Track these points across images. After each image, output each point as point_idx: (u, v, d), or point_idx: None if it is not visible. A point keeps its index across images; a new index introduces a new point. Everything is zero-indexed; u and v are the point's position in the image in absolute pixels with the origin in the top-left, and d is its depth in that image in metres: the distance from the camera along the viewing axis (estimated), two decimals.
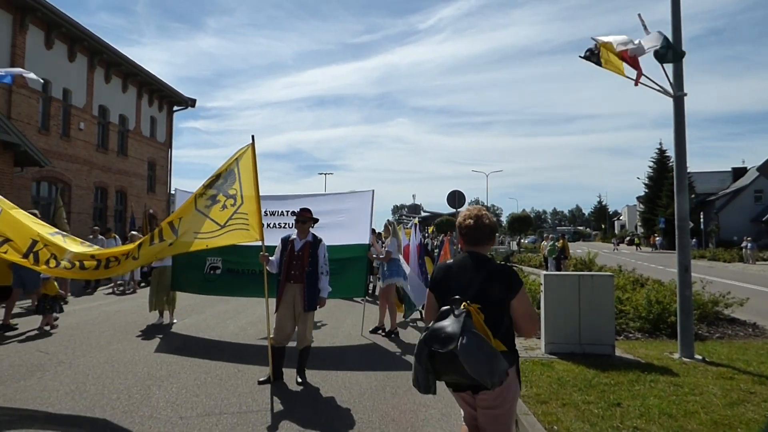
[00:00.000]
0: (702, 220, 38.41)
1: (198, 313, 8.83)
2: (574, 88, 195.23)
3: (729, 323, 7.66)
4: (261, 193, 5.18)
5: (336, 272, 6.06)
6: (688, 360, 5.50)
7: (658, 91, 5.88)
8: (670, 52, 5.41)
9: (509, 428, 2.42)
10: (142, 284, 12.67)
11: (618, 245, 50.45)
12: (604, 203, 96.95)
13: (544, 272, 6.59)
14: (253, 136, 5.22)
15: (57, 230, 5.05)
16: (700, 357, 5.59)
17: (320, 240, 5.10)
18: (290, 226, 6.69)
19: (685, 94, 5.98)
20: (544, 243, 20.49)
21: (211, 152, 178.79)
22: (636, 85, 5.51)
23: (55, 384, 4.76)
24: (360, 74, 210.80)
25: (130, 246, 4.98)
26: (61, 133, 16.47)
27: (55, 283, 7.61)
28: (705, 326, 7.42)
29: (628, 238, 58.91)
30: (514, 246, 38.57)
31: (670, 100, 5.98)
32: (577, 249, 29.16)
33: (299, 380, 4.92)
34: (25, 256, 4.50)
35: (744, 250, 27.64)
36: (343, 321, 8.26)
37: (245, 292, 7.19)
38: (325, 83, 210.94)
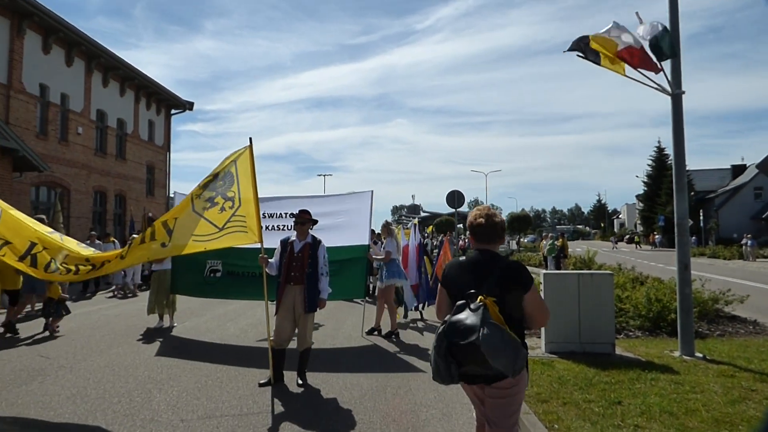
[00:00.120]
0: (701, 217, 38.42)
1: (198, 316, 8.83)
2: (572, 87, 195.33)
3: (729, 321, 7.66)
4: (260, 195, 5.18)
5: (336, 273, 6.06)
6: (688, 358, 5.51)
7: (657, 89, 5.88)
8: (666, 42, 5.38)
9: (517, 418, 2.51)
10: (143, 287, 12.66)
11: (616, 243, 50.34)
12: (603, 202, 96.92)
13: (544, 271, 6.59)
14: (250, 138, 5.23)
15: (53, 230, 5.06)
16: (700, 355, 5.59)
17: (320, 241, 5.10)
18: (289, 228, 6.68)
19: (684, 92, 5.99)
20: (544, 242, 20.50)
21: (210, 155, 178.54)
22: (636, 68, 5.47)
23: (56, 388, 4.76)
24: (358, 75, 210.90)
25: (125, 250, 4.98)
26: (59, 138, 16.47)
27: (59, 287, 7.66)
28: (705, 324, 7.42)
29: (627, 237, 58.90)
30: (513, 245, 38.58)
31: (669, 98, 5.99)
32: (577, 248, 29.17)
33: (300, 382, 4.91)
34: (23, 258, 4.49)
35: (744, 247, 27.68)
36: (343, 322, 8.26)
37: (245, 295, 7.19)
38: (324, 84, 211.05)
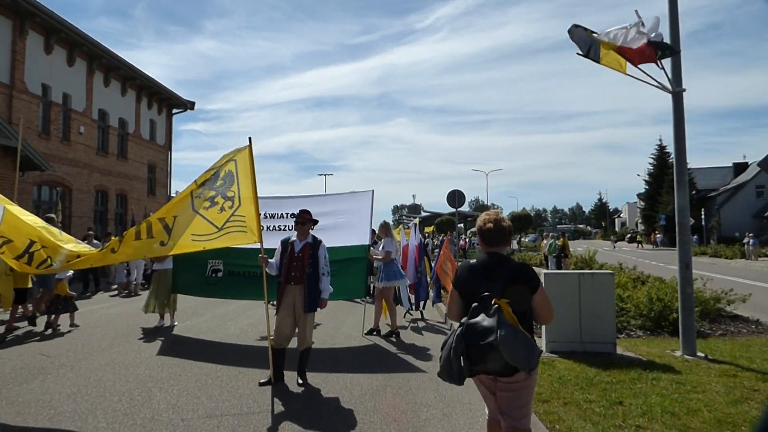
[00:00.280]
0: (703, 216, 38.28)
1: (199, 316, 8.83)
2: (572, 85, 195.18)
3: (731, 320, 7.64)
4: (260, 195, 5.18)
5: (336, 273, 6.05)
6: (690, 358, 5.49)
7: (657, 87, 5.86)
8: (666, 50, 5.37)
9: (529, 410, 2.68)
10: (146, 286, 12.67)
11: (616, 243, 49.94)
12: (604, 201, 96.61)
13: (545, 271, 6.58)
14: (250, 138, 5.22)
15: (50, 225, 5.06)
16: (702, 354, 5.57)
17: (320, 241, 5.10)
18: (290, 228, 6.68)
19: (684, 90, 5.97)
20: (544, 242, 20.46)
21: (211, 154, 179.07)
22: (636, 65, 5.44)
23: (57, 387, 4.76)
24: (359, 75, 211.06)
25: (117, 244, 4.88)
26: (61, 137, 16.49)
27: (66, 285, 7.82)
28: (707, 323, 7.40)
29: (629, 236, 58.70)
30: (514, 245, 38.52)
31: (669, 96, 5.97)
32: (578, 247, 29.12)
33: (300, 381, 4.91)
34: (20, 257, 4.50)
35: (746, 246, 27.57)
36: (343, 322, 8.26)
37: (247, 295, 7.19)
38: (324, 84, 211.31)
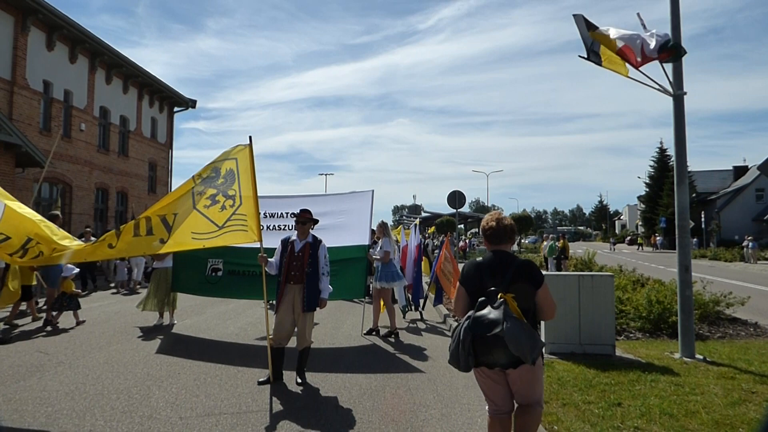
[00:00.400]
0: (703, 219, 38.28)
1: (198, 314, 8.83)
2: (574, 87, 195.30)
3: (730, 323, 7.64)
4: (260, 194, 5.18)
5: (335, 273, 6.05)
6: (689, 360, 5.49)
7: (658, 90, 5.86)
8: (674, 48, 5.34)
9: (541, 391, 2.86)
10: (145, 284, 12.66)
11: (614, 245, 49.48)
12: (604, 203, 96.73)
13: (544, 272, 6.57)
14: (250, 137, 5.22)
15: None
16: (701, 357, 5.57)
17: (320, 241, 5.10)
18: (290, 227, 6.67)
19: (685, 93, 5.96)
20: (544, 243, 20.46)
21: (212, 153, 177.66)
22: (637, 67, 5.42)
23: (54, 384, 4.76)
24: (360, 75, 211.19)
25: (114, 239, 4.83)
26: (62, 134, 16.49)
27: (72, 282, 7.91)
28: (706, 326, 7.40)
29: (629, 238, 58.62)
30: (514, 246, 38.49)
31: (670, 99, 5.97)
32: (577, 249, 29.11)
33: (299, 381, 4.91)
34: (14, 253, 4.50)
35: (745, 249, 27.57)
36: (342, 322, 8.26)
37: (246, 294, 7.18)
38: (326, 84, 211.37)
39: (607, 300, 5.78)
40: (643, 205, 51.87)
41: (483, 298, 2.65)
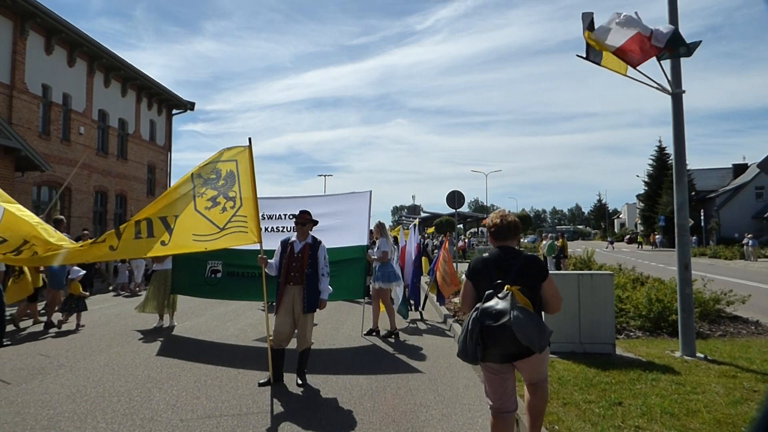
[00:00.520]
0: (702, 217, 38.30)
1: (198, 316, 8.83)
2: (572, 86, 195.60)
3: (731, 321, 7.64)
4: (259, 196, 5.18)
5: (335, 274, 6.04)
6: (689, 358, 5.48)
7: (657, 88, 5.86)
8: (682, 47, 5.29)
9: (547, 363, 3.07)
10: (145, 286, 12.66)
11: (612, 244, 49.18)
12: (603, 202, 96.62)
13: None
14: (250, 139, 5.23)
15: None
16: (701, 355, 5.57)
17: (320, 242, 5.10)
18: (289, 229, 6.68)
19: (684, 91, 5.97)
20: (543, 242, 20.46)
21: (211, 155, 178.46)
22: (636, 66, 5.39)
23: (56, 387, 4.76)
24: (358, 76, 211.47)
25: (114, 240, 4.82)
26: (61, 138, 16.49)
27: (79, 284, 7.97)
28: (707, 324, 7.40)
29: (628, 237, 58.53)
30: None
31: (669, 97, 5.98)
32: (576, 248, 29.12)
33: (299, 382, 4.91)
34: (8, 252, 4.53)
35: (745, 247, 27.59)
36: (342, 323, 8.25)
37: (246, 296, 7.18)
38: (324, 85, 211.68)
39: (606, 299, 5.78)
40: (642, 204, 51.86)
41: (490, 291, 2.73)
